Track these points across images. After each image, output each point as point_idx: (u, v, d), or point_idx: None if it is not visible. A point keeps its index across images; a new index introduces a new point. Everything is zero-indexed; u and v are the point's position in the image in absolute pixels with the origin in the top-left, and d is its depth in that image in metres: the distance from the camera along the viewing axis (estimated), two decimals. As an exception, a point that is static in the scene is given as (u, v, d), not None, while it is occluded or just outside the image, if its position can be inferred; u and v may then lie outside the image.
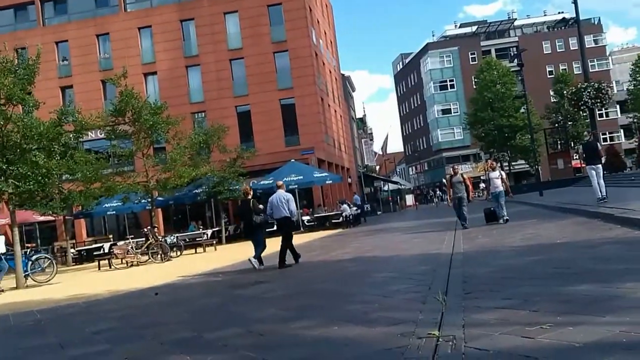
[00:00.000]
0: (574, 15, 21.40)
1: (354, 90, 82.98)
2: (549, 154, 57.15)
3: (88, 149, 32.73)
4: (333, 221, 34.32)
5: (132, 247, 24.16)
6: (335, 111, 54.33)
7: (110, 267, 22.99)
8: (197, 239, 29.22)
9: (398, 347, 4.70)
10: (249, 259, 14.18)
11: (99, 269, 23.47)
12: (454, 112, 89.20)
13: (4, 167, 19.33)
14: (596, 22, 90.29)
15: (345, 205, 35.21)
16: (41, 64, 21.10)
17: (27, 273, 19.11)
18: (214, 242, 29.40)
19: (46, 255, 22.86)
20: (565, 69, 79.26)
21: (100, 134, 33.57)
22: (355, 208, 37.86)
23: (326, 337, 5.57)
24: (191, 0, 45.26)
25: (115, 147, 30.32)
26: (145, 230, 25.35)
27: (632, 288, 5.69)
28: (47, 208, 24.68)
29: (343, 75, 67.73)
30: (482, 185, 65.31)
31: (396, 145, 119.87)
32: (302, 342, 5.52)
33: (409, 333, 5.08)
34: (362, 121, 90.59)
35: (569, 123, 65.20)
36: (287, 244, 14.10)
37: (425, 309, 6.10)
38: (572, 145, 61.62)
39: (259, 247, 14.33)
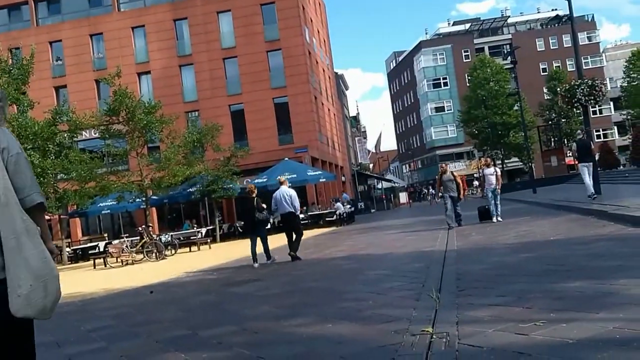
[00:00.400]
0: (568, 12, 21.37)
1: (347, 89, 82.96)
2: (542, 151, 57.37)
3: (82, 148, 32.69)
4: (327, 219, 34.35)
5: (127, 246, 24.16)
6: (329, 109, 54.34)
7: (105, 266, 22.93)
8: (192, 238, 29.20)
9: (392, 344, 4.71)
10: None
11: (94, 267, 23.46)
12: (447, 110, 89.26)
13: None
14: (590, 19, 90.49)
15: (339, 204, 35.20)
16: (35, 64, 21.14)
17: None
18: (208, 240, 29.38)
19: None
20: (558, 66, 79.43)
21: (95, 134, 33.51)
22: (348, 206, 37.88)
23: (320, 335, 5.58)
24: (184, -1, 45.25)
25: (109, 147, 30.26)
26: (140, 229, 25.36)
27: (625, 285, 5.71)
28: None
29: (336, 73, 67.78)
30: (476, 182, 65.85)
31: (390, 143, 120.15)
32: (297, 340, 5.52)
33: (402, 330, 5.09)
34: (355, 119, 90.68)
35: (563, 120, 65.40)
36: (299, 238, 14.65)
37: (419, 306, 6.11)
38: (566, 142, 61.77)
39: (265, 242, 14.81)
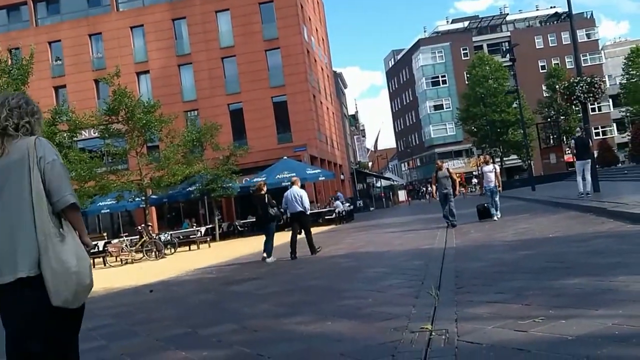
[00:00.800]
0: (566, 10, 21.32)
1: (345, 87, 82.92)
2: (541, 148, 57.31)
3: (82, 148, 32.62)
4: (326, 217, 34.33)
5: (126, 245, 24.19)
6: (328, 108, 54.31)
7: (105, 265, 22.96)
8: (191, 237, 29.15)
9: (391, 341, 4.72)
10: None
11: (94, 266, 23.39)
12: (446, 108, 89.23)
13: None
14: (588, 16, 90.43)
15: (338, 202, 35.19)
16: (34, 64, 21.09)
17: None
18: (208, 239, 29.33)
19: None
20: (557, 64, 79.27)
21: (94, 133, 33.43)
22: (347, 204, 37.89)
23: (320, 332, 5.60)
24: (182, -2, 45.21)
25: (109, 146, 30.24)
26: (140, 228, 25.38)
27: (624, 281, 5.73)
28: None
29: (335, 72, 67.71)
30: (475, 180, 65.85)
31: (388, 141, 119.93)
32: (296, 338, 5.54)
33: (402, 327, 5.11)
34: (354, 118, 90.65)
35: (562, 117, 65.35)
36: (309, 237, 14.97)
37: (418, 304, 6.13)
38: (565, 139, 61.70)
39: (271, 240, 14.97)
